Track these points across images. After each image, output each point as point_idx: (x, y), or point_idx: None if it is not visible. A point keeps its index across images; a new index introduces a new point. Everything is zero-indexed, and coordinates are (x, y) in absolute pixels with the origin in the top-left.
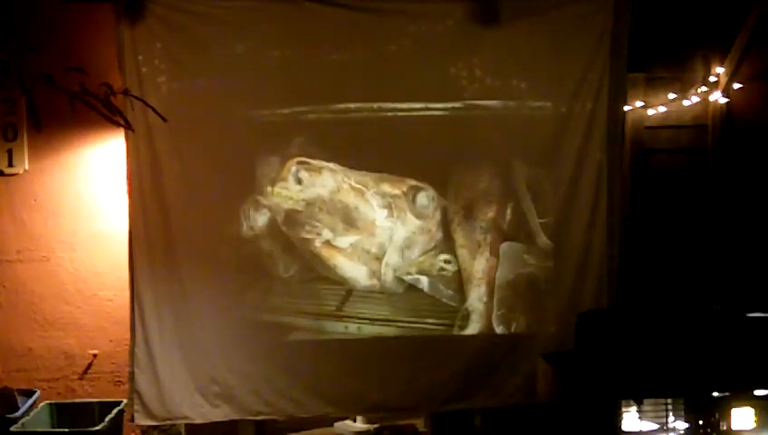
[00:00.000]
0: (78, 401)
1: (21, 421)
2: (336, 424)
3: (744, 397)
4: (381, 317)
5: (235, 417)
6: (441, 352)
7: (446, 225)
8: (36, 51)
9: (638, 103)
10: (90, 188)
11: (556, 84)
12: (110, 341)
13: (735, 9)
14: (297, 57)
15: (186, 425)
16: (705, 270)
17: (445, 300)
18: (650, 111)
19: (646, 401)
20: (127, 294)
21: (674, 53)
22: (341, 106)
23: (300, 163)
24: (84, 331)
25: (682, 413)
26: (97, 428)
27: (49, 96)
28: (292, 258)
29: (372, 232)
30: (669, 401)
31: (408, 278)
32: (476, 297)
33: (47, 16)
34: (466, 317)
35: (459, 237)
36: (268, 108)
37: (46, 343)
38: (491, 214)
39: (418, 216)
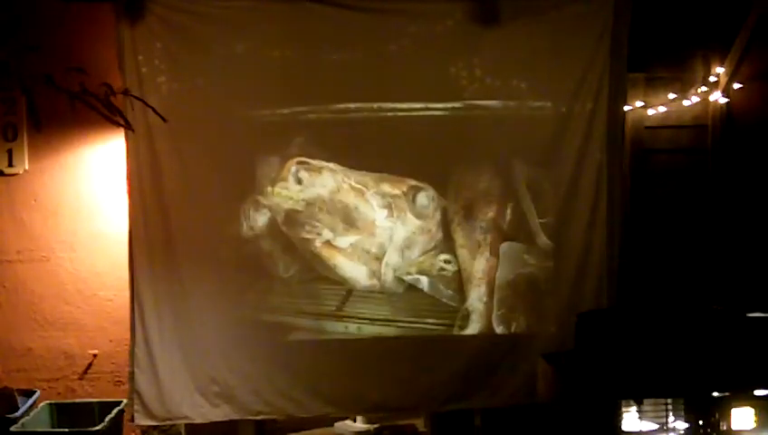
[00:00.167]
0: (78, 401)
1: (21, 421)
2: (336, 424)
3: (744, 397)
4: (381, 317)
5: (235, 417)
6: (441, 352)
7: (446, 225)
8: (36, 51)
9: (638, 103)
10: (90, 188)
11: (556, 84)
12: (110, 341)
13: (735, 9)
14: (297, 57)
15: (186, 425)
16: (705, 270)
17: (445, 300)
18: (650, 111)
19: (646, 401)
20: (127, 294)
21: (674, 53)
22: (341, 106)
23: (300, 163)
24: (84, 331)
25: (682, 413)
26: (97, 428)
27: (49, 96)
28: (292, 258)
29: (372, 232)
30: (669, 401)
31: (408, 278)
32: (476, 297)
33: (47, 16)
34: (466, 317)
35: (459, 237)
36: (268, 108)
37: (46, 343)
38: (491, 214)
39: (418, 216)
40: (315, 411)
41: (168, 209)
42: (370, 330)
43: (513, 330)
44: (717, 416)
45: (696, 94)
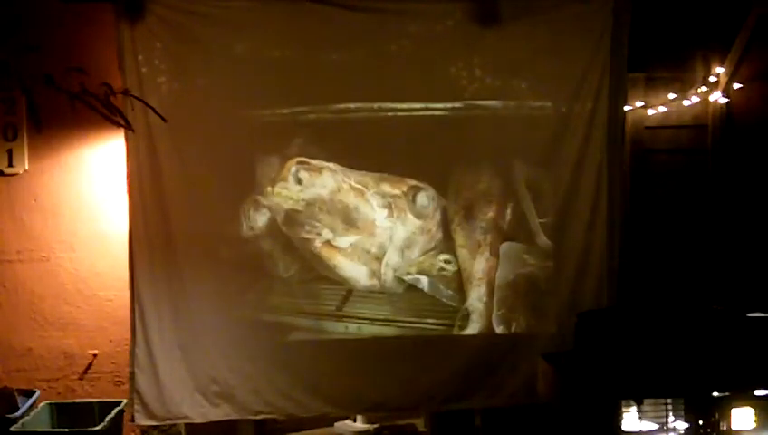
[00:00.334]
0: (78, 401)
1: (21, 421)
2: (336, 424)
3: (744, 397)
4: (381, 317)
5: (235, 416)
6: (441, 352)
7: (446, 225)
8: (36, 51)
9: (638, 103)
10: (90, 188)
11: (556, 84)
12: (110, 341)
13: (735, 9)
14: (297, 57)
15: (186, 425)
16: (705, 270)
17: (445, 300)
18: (650, 111)
19: (646, 401)
20: (127, 294)
21: (674, 53)
22: (341, 106)
23: (300, 163)
24: (84, 331)
25: (682, 413)
26: (97, 428)
27: (49, 96)
28: (292, 258)
29: (372, 232)
30: (669, 401)
31: (408, 278)
32: (476, 297)
33: (47, 16)
34: (466, 317)
35: (459, 237)
36: (268, 108)
37: (46, 343)
38: (491, 214)
39: (418, 216)
40: (315, 411)
41: (168, 209)
42: (370, 330)
43: (513, 330)
44: (717, 416)
45: (696, 94)
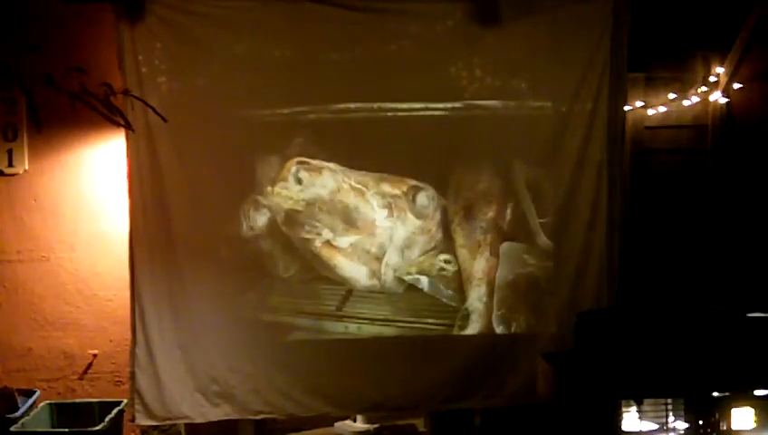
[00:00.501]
0: (78, 401)
1: (21, 421)
2: (336, 424)
3: (744, 397)
4: (381, 317)
5: (235, 416)
6: (441, 352)
7: (446, 225)
8: (36, 51)
9: (638, 103)
10: (90, 188)
11: (556, 84)
12: (110, 341)
13: (735, 9)
14: (297, 57)
15: (186, 425)
16: (705, 270)
17: (445, 300)
18: (650, 111)
19: (646, 401)
20: (127, 294)
21: (674, 53)
22: (341, 106)
23: (300, 163)
24: (84, 331)
25: (682, 413)
26: (97, 428)
27: (49, 96)
28: (292, 258)
29: (372, 232)
30: (669, 401)
31: (408, 278)
32: (476, 297)
33: (47, 16)
34: (466, 317)
35: (459, 237)
36: (268, 108)
37: (46, 343)
38: (491, 214)
39: (418, 216)
40: (315, 411)
41: (168, 209)
42: (370, 330)
43: (513, 330)
44: (717, 416)
45: (696, 94)
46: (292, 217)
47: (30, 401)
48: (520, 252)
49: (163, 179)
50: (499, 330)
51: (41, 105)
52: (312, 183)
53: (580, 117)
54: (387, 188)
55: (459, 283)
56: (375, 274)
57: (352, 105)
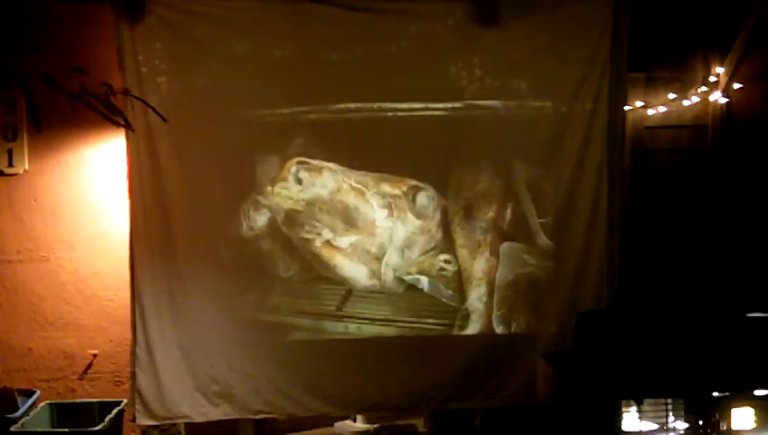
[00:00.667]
0: (78, 401)
1: (21, 421)
2: (336, 424)
3: (744, 397)
4: (381, 317)
5: (235, 416)
6: (441, 352)
7: (446, 225)
8: (36, 51)
9: (638, 103)
10: (90, 188)
11: (556, 84)
12: (110, 341)
13: (735, 9)
14: (297, 57)
15: (186, 424)
16: (705, 270)
17: (445, 300)
18: (650, 111)
19: (646, 401)
20: (127, 294)
21: (674, 53)
22: (341, 106)
23: (300, 163)
24: (84, 331)
25: (682, 413)
26: (97, 428)
27: (49, 96)
28: (292, 258)
29: (372, 232)
30: (669, 401)
31: (408, 278)
32: (476, 297)
33: (47, 16)
34: (466, 317)
35: (459, 237)
36: (268, 108)
37: (46, 343)
38: (491, 214)
39: (418, 216)
40: (315, 411)
41: (168, 209)
42: (370, 330)
43: (513, 330)
44: (717, 416)
45: (696, 94)
46: (292, 217)
47: (30, 401)
48: (520, 252)
49: (163, 179)
50: (499, 330)
51: (41, 105)
52: (312, 183)
53: (580, 117)
54: (387, 188)
55: (459, 283)
56: (375, 274)
57: (352, 105)
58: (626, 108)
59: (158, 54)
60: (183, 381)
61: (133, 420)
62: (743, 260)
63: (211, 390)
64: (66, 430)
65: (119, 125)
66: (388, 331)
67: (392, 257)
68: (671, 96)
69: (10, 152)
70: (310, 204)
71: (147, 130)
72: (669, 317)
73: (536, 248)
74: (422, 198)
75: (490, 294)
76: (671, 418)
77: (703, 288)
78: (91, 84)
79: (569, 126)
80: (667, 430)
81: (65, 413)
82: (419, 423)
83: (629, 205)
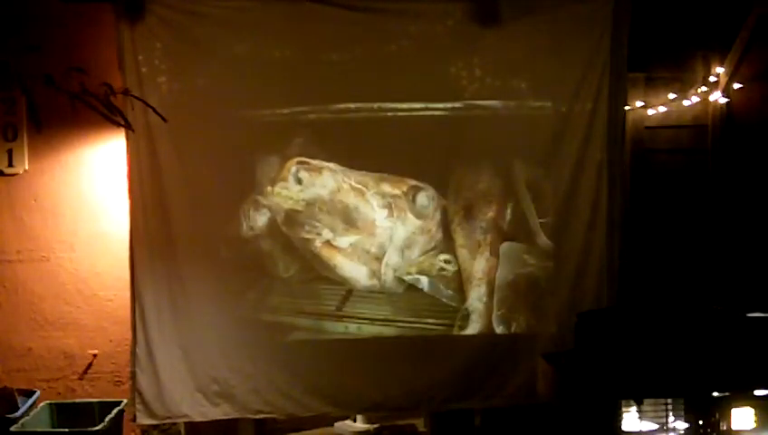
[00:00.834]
0: (78, 401)
1: (21, 421)
2: (336, 424)
3: (744, 397)
4: (381, 317)
5: (235, 416)
6: (441, 352)
7: (446, 225)
8: (36, 51)
9: (638, 103)
10: (90, 188)
11: (556, 84)
12: (110, 341)
13: (735, 9)
14: (297, 57)
15: (186, 424)
16: (705, 270)
17: (445, 300)
18: (650, 111)
19: (646, 401)
20: (127, 294)
21: (674, 53)
22: (341, 106)
23: (300, 163)
24: (84, 331)
25: (682, 413)
26: (97, 428)
27: (49, 96)
28: (292, 258)
29: (372, 232)
30: (669, 401)
31: (408, 278)
32: (476, 297)
33: (47, 16)
34: (466, 317)
35: (459, 237)
36: (268, 108)
37: (46, 343)
38: (491, 214)
39: (418, 216)
40: (315, 411)
41: (168, 209)
42: (370, 330)
43: (513, 330)
44: (717, 416)
45: (696, 94)
46: (292, 217)
47: (30, 401)
48: (520, 252)
49: (163, 179)
50: (499, 330)
51: (41, 105)
52: (312, 183)
53: (580, 117)
54: (387, 188)
55: (459, 283)
56: (375, 274)
57: (352, 105)
58: (626, 108)
59: (158, 54)
60: (183, 381)
61: (133, 419)
62: (743, 260)
63: (211, 389)
64: (66, 430)
65: (119, 125)
66: (388, 331)
67: (392, 257)
68: (671, 96)
69: (10, 152)
70: (310, 204)
71: (147, 130)
72: (669, 317)
73: (536, 248)
74: (422, 198)
75: (490, 294)
76: (671, 418)
77: (703, 288)
78: (91, 84)
79: (569, 126)
80: (667, 430)
81: (65, 413)
82: (419, 423)
83: (629, 205)
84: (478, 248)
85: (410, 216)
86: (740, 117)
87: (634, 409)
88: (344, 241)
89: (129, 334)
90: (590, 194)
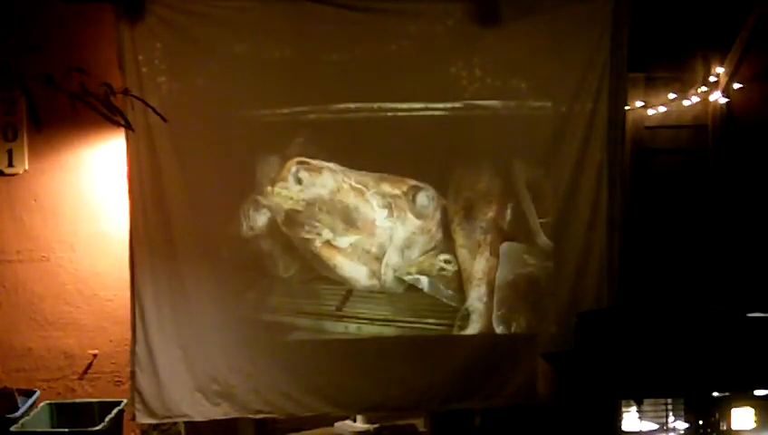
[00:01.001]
0: (78, 401)
1: (21, 421)
2: (336, 424)
3: (744, 397)
4: (381, 317)
5: (235, 415)
6: (441, 352)
7: (446, 225)
8: (36, 51)
9: (638, 103)
10: (90, 188)
11: (556, 84)
12: (110, 341)
13: (735, 9)
14: (297, 57)
15: (186, 424)
16: (705, 270)
17: (445, 300)
18: (650, 111)
19: (646, 401)
20: (127, 294)
21: (674, 53)
22: (341, 106)
23: (300, 163)
24: (84, 331)
25: (682, 413)
26: (97, 428)
27: (49, 96)
28: (292, 258)
29: (372, 232)
30: (669, 401)
31: (408, 278)
32: (476, 297)
33: (47, 16)
34: (466, 317)
35: (459, 237)
36: (268, 108)
37: (46, 343)
38: (491, 214)
39: (418, 216)
40: (315, 411)
41: (168, 209)
42: (370, 330)
43: (513, 330)
44: (717, 416)
45: (696, 94)
46: (292, 217)
47: (30, 401)
48: (520, 252)
49: (163, 179)
50: (499, 330)
51: (41, 105)
52: (312, 183)
53: (580, 117)
54: (387, 188)
55: (459, 283)
56: (375, 274)
57: (352, 105)
58: (626, 108)
59: (158, 54)
60: (183, 381)
61: (133, 418)
62: (743, 260)
63: (211, 389)
64: (66, 430)
65: (119, 125)
66: (388, 331)
67: (392, 257)
68: (671, 96)
69: (10, 152)
70: (310, 204)
71: (147, 130)
72: (669, 317)
73: (536, 248)
74: (422, 198)
75: (490, 294)
76: (671, 418)
77: (703, 288)
78: (91, 84)
79: (569, 126)
80: (667, 430)
81: (65, 413)
82: (419, 423)
83: (629, 205)
84: (478, 248)
85: (410, 216)
86: (740, 117)
87: (634, 409)
88: (344, 241)
89: (129, 334)
90: (590, 194)
